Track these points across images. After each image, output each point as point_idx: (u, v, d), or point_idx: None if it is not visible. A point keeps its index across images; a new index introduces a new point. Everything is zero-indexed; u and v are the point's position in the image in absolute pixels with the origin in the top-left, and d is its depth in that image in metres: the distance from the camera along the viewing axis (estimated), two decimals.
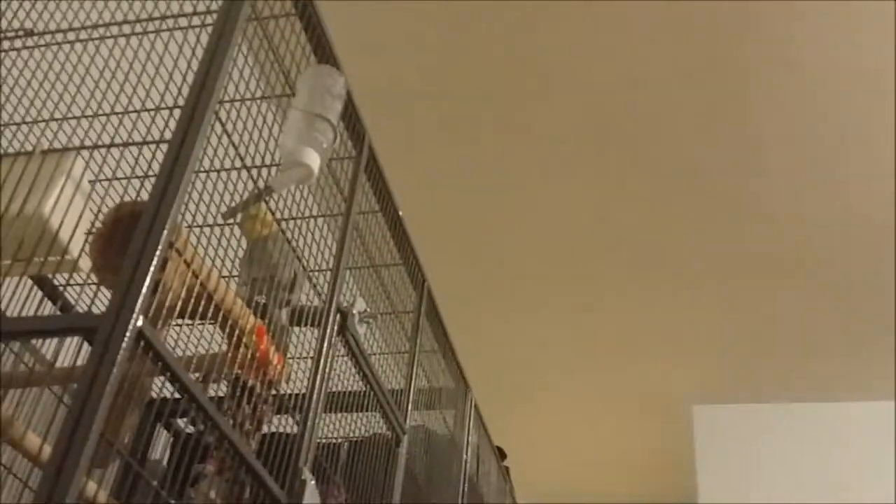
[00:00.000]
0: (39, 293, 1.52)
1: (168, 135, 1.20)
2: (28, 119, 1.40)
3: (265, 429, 1.50)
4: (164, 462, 1.93)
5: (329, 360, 1.61)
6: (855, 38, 2.99)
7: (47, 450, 1.09)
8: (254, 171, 1.41)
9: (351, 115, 1.79)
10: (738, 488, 4.67)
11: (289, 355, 1.59)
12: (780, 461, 4.70)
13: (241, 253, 1.52)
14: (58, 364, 1.15)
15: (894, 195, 3.48)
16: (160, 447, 1.95)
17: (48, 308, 1.56)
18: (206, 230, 1.30)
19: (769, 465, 4.70)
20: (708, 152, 3.45)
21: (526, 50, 3.14)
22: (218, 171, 1.35)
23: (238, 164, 1.38)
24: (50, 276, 1.49)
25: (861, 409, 4.73)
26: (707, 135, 3.38)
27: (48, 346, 1.53)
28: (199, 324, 1.33)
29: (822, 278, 3.96)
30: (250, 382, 1.43)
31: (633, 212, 3.75)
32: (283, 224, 1.57)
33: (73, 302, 1.60)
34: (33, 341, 1.49)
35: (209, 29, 1.32)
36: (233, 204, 1.41)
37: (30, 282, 1.43)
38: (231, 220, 1.39)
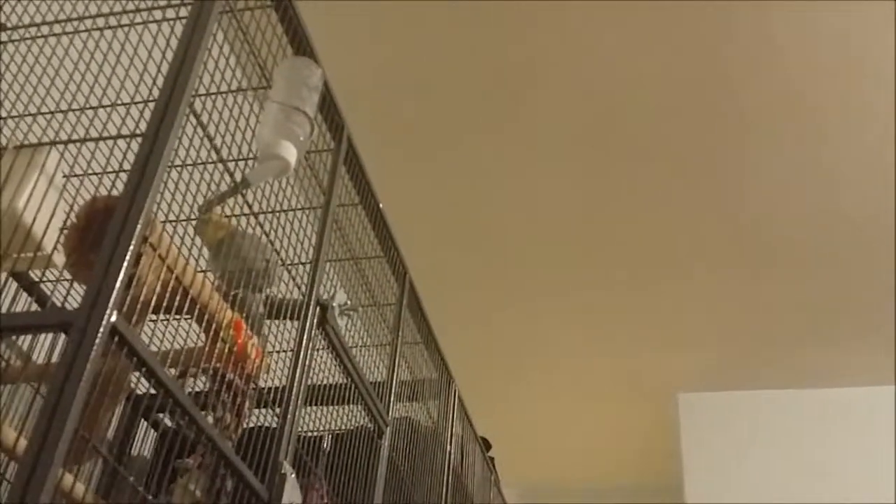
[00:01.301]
0: (15, 288, 1.51)
1: (142, 129, 1.19)
2: (2, 114, 1.39)
3: (245, 423, 1.49)
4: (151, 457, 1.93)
5: (309, 353, 1.61)
6: (855, 37, 3.00)
7: (23, 443, 1.09)
8: (230, 165, 1.40)
9: (329, 107, 1.79)
10: (724, 476, 4.69)
11: (268, 348, 1.58)
12: (766, 449, 4.72)
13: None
14: (36, 358, 1.15)
15: (893, 180, 3.49)
16: (147, 443, 1.94)
17: (24, 302, 1.55)
18: (182, 225, 1.30)
19: (755, 452, 4.72)
20: (699, 139, 3.45)
21: (512, 38, 3.13)
22: (193, 165, 1.34)
23: (214, 157, 1.37)
24: (24, 271, 1.48)
25: (853, 394, 4.74)
26: (698, 122, 3.38)
27: (24, 341, 1.52)
28: (175, 318, 1.33)
29: (812, 264, 3.97)
30: (229, 376, 1.43)
31: (621, 200, 3.75)
32: (262, 217, 1.56)
33: (48, 295, 1.59)
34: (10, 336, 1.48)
35: (183, 21, 1.31)
36: (209, 197, 1.41)
37: (4, 277, 1.42)
38: (206, 215, 1.39)
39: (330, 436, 1.88)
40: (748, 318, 4.35)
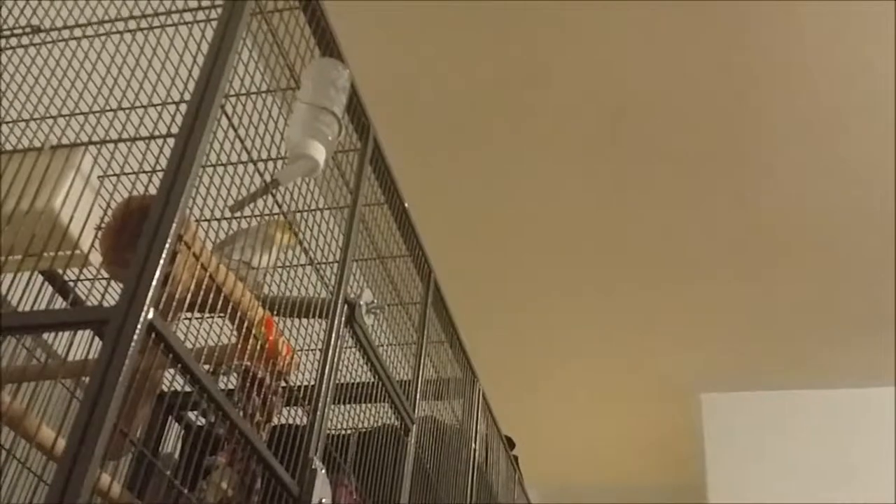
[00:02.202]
0: (50, 288, 1.54)
1: (175, 130, 1.21)
2: (36, 116, 1.41)
3: (275, 420, 1.51)
4: (177, 455, 1.95)
5: (337, 351, 1.63)
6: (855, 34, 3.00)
7: (61, 443, 1.10)
8: (260, 165, 1.42)
9: (356, 108, 1.80)
10: (747, 476, 4.68)
11: (297, 347, 1.60)
12: (788, 448, 4.70)
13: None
14: (69, 359, 1.16)
15: (895, 181, 3.48)
16: (172, 441, 1.96)
17: (59, 303, 1.57)
18: (214, 223, 1.32)
19: (779, 453, 4.70)
20: (715, 140, 3.45)
21: (534, 41, 3.15)
22: (225, 165, 1.36)
23: (245, 157, 1.39)
24: (60, 271, 1.51)
25: (879, 394, 4.72)
26: (712, 122, 3.38)
27: (59, 342, 1.54)
28: (208, 317, 1.34)
29: (838, 263, 3.95)
30: (260, 374, 1.44)
31: (641, 200, 3.75)
32: (290, 216, 1.58)
33: (83, 297, 1.61)
34: (45, 336, 1.50)
35: (214, 23, 1.33)
36: (240, 197, 1.43)
37: (40, 277, 1.44)
38: (238, 214, 1.41)
39: (357, 433, 1.90)
40: (771, 317, 4.34)
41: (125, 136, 1.28)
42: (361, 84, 1.78)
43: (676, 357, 4.75)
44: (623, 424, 5.44)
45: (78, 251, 1.23)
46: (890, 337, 4.38)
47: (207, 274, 1.22)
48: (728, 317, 4.38)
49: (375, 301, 1.88)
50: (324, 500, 1.42)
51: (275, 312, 1.48)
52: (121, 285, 1.10)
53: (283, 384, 1.50)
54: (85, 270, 1.54)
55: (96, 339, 1.07)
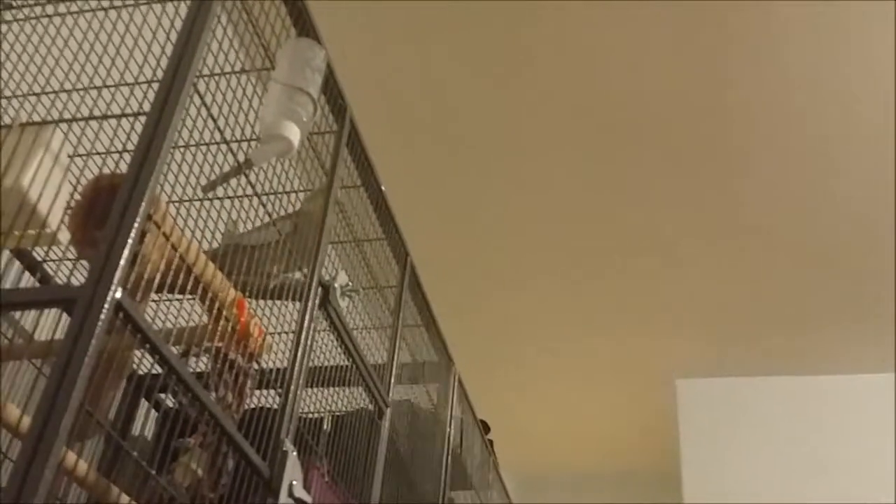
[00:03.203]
0: (18, 266, 1.52)
1: (146, 108, 1.20)
2: (6, 93, 1.39)
3: (247, 402, 1.50)
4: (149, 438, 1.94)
5: (311, 333, 1.62)
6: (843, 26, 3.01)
7: (26, 421, 1.10)
8: (233, 145, 1.41)
9: (332, 89, 1.79)
10: (721, 462, 4.71)
11: (270, 329, 1.59)
12: (764, 435, 4.73)
13: (220, 226, 1.52)
14: (38, 338, 1.15)
15: (892, 163, 3.49)
16: (144, 423, 1.95)
17: (27, 281, 1.56)
18: (186, 204, 1.30)
19: (753, 438, 4.73)
20: (696, 129, 3.45)
21: (517, 22, 3.13)
22: (197, 145, 1.35)
23: (217, 137, 1.38)
24: (29, 249, 1.49)
25: (853, 381, 4.76)
26: (694, 112, 3.38)
27: (27, 320, 1.53)
28: (178, 298, 1.34)
29: (813, 250, 3.97)
30: (231, 356, 1.44)
31: (621, 188, 3.75)
32: (265, 198, 1.57)
33: (52, 276, 1.60)
34: (12, 314, 1.49)
35: (188, 2, 1.31)
36: (212, 177, 1.41)
37: (8, 255, 1.43)
38: (210, 194, 1.40)
39: (331, 417, 1.89)
40: (747, 304, 4.36)
41: (95, 113, 1.27)
42: (338, 65, 1.77)
43: (653, 342, 4.77)
44: (599, 409, 5.46)
45: (47, 229, 1.21)
46: (866, 325, 4.41)
47: (178, 254, 1.21)
48: (705, 303, 4.39)
49: (350, 284, 1.88)
50: (294, 482, 1.42)
51: (247, 294, 1.47)
52: (90, 263, 1.09)
53: (254, 366, 1.49)
54: (54, 249, 1.53)
55: (64, 316, 1.06)
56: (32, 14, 1.44)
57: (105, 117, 1.25)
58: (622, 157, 3.61)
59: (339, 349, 1.85)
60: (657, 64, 3.22)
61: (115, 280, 1.04)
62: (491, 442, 3.47)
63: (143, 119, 1.19)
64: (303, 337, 1.58)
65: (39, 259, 1.58)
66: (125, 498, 1.26)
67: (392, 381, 2.10)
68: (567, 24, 3.12)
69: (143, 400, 1.91)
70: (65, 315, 1.06)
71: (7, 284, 1.38)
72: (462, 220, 4.01)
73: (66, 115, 1.29)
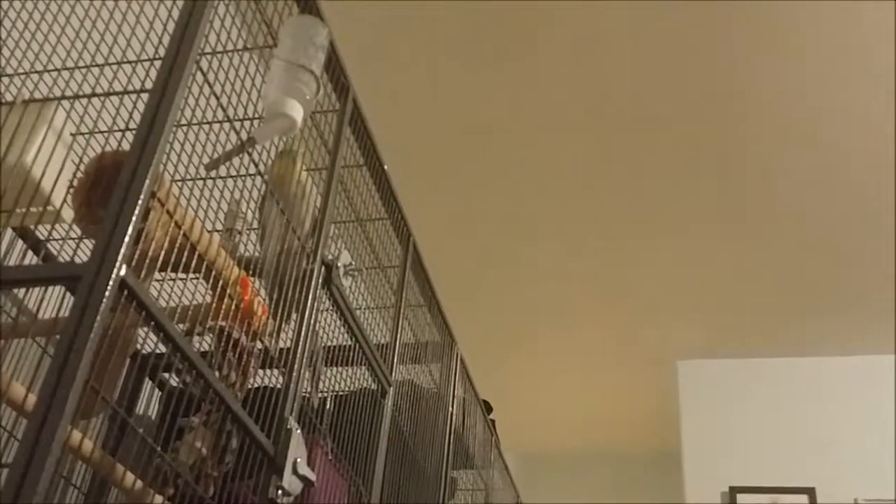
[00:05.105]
0: (22, 244, 1.52)
1: (149, 86, 1.19)
2: (9, 70, 1.39)
3: (251, 381, 1.50)
4: (153, 416, 1.94)
5: (314, 312, 1.62)
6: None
7: (32, 399, 1.10)
8: (236, 123, 1.40)
9: (335, 68, 1.78)
10: (722, 444, 4.73)
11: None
12: (765, 416, 4.75)
13: (223, 205, 1.52)
14: (40, 316, 1.15)
15: (892, 144, 3.48)
16: (149, 402, 1.95)
17: (31, 259, 1.56)
18: (189, 183, 1.30)
19: (754, 420, 4.75)
20: (697, 109, 3.45)
21: (517, 11, 3.12)
22: (200, 124, 1.34)
23: (220, 115, 1.37)
24: (32, 227, 1.49)
25: (853, 363, 4.77)
26: (695, 92, 3.37)
27: (30, 298, 1.53)
28: (182, 277, 1.33)
29: (813, 232, 3.97)
30: (235, 335, 1.44)
31: (621, 163, 3.75)
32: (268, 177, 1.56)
33: (55, 254, 1.59)
34: (16, 292, 1.49)
35: None
36: (215, 156, 1.41)
37: (12, 233, 1.43)
38: (214, 173, 1.39)
39: (334, 396, 1.89)
40: (748, 286, 4.36)
41: (98, 91, 1.26)
42: (341, 43, 1.76)
43: (654, 325, 4.77)
44: (600, 390, 5.48)
45: (50, 207, 1.21)
46: (866, 306, 4.41)
47: (181, 232, 1.21)
48: (706, 285, 4.40)
49: (353, 263, 1.87)
50: (298, 460, 1.42)
51: (250, 273, 1.47)
52: (93, 242, 1.09)
53: (258, 345, 1.49)
54: (57, 226, 1.53)
55: (68, 295, 1.06)
56: None
57: (108, 94, 1.25)
58: (625, 139, 3.61)
59: (342, 328, 1.85)
60: (660, 50, 3.21)
61: (120, 257, 1.04)
62: (493, 422, 3.48)
63: (145, 97, 1.18)
64: (306, 316, 1.58)
65: (42, 238, 1.57)
66: (130, 476, 1.26)
67: (395, 360, 2.10)
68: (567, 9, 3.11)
69: (146, 380, 1.91)
70: (68, 294, 1.06)
71: (10, 263, 1.37)
72: (464, 200, 4.01)
73: (70, 93, 1.28)
